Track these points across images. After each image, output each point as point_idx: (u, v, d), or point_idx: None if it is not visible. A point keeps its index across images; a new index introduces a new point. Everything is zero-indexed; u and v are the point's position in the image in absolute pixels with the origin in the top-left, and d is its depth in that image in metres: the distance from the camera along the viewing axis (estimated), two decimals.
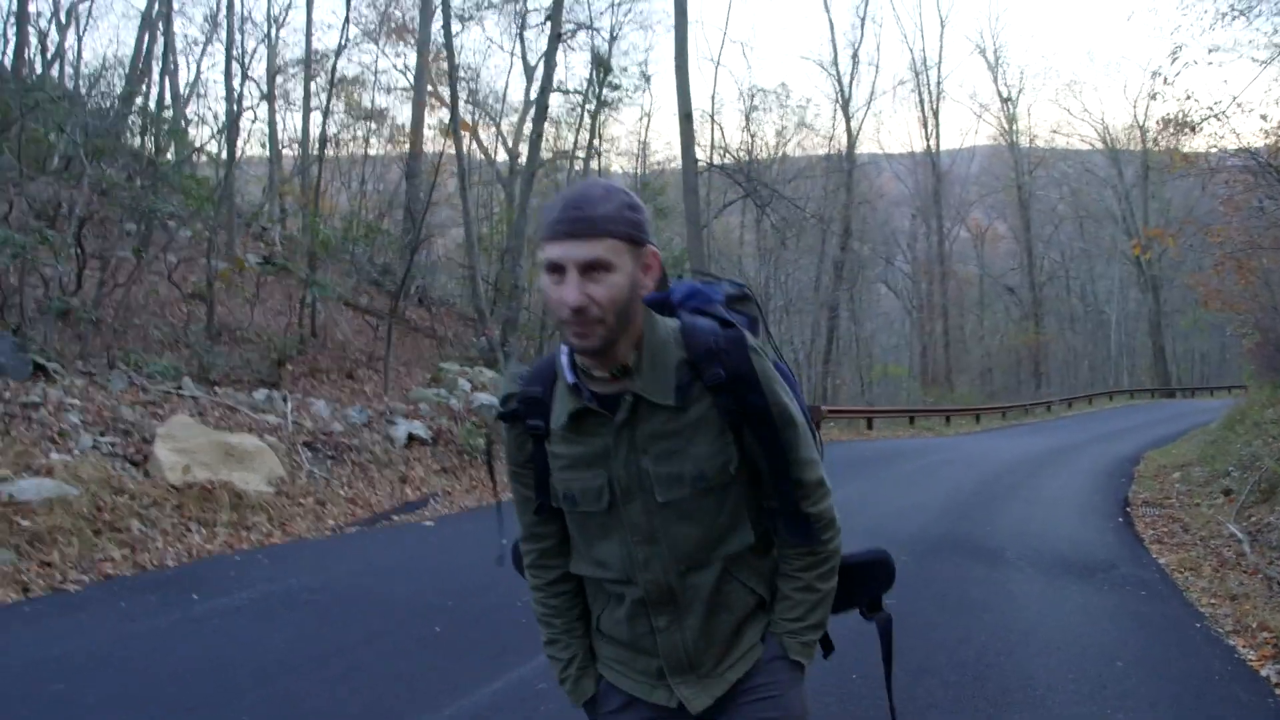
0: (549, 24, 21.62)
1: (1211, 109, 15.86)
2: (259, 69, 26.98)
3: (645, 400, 1.84)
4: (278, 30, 27.45)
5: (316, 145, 22.70)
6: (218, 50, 31.87)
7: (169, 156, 16.14)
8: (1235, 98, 22.06)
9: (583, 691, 2.06)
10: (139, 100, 20.20)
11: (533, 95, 32.95)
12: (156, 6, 21.66)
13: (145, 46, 22.49)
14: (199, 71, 21.84)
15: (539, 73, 31.77)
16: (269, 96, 23.51)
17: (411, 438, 12.96)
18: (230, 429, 10.34)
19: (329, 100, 20.23)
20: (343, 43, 19.25)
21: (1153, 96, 51.12)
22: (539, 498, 1.98)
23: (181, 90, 25.54)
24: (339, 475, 10.93)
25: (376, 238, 20.41)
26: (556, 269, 1.73)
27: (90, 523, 7.39)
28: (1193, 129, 16.50)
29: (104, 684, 4.63)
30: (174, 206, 14.31)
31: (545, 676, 2.18)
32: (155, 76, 23.73)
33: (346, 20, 19.44)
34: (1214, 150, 17.57)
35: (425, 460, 12.66)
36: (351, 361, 16.89)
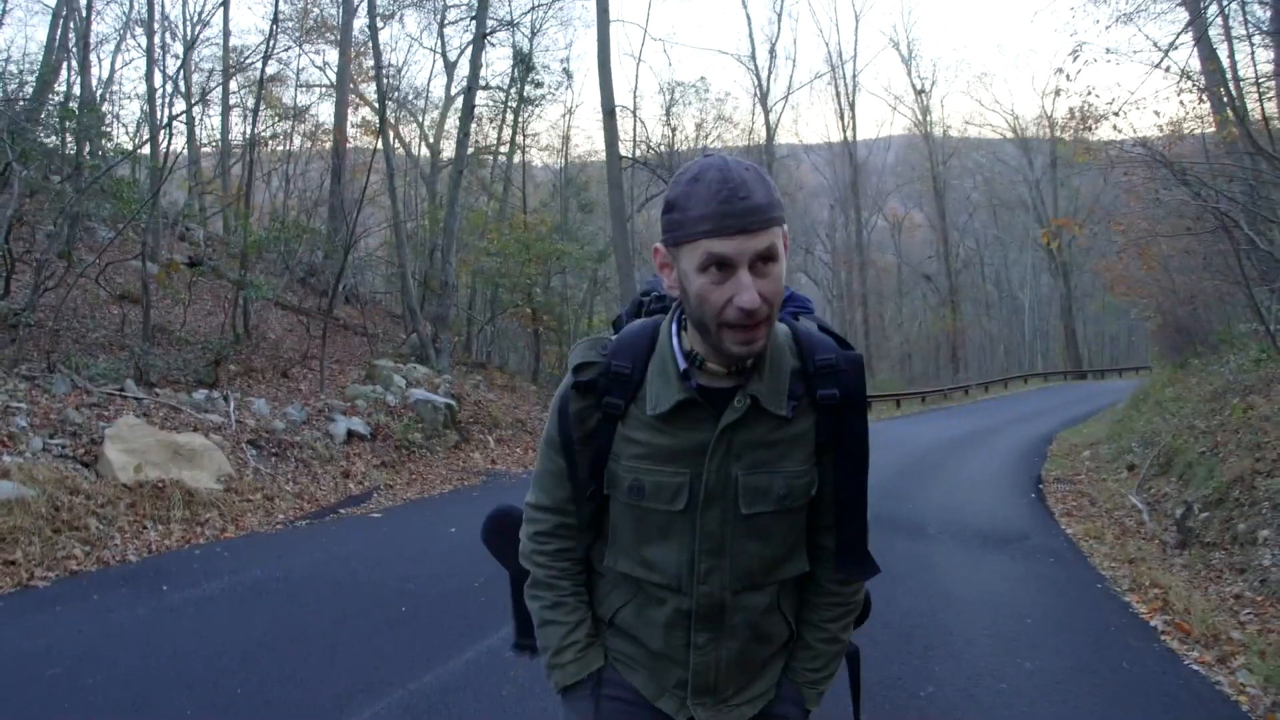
0: (474, 23, 21.83)
1: (1110, 104, 16.61)
2: (172, 67, 26.80)
3: (759, 405, 1.75)
4: (196, 29, 27.20)
5: (242, 146, 22.58)
6: (131, 47, 31.47)
7: (95, 158, 16.01)
8: (1132, 93, 22.98)
9: (589, 662, 1.93)
10: (56, 99, 20.03)
11: (453, 91, 33.16)
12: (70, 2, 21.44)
13: (57, 42, 22.17)
14: (114, 69, 21.46)
15: (459, 69, 32.06)
16: (201, 99, 23.30)
17: (351, 434, 13.19)
18: (176, 429, 10.49)
19: (258, 103, 20.10)
20: (269, 49, 19.13)
21: (1057, 93, 52.66)
22: (591, 483, 1.86)
23: (94, 88, 25.12)
24: (284, 471, 11.14)
25: (306, 238, 20.40)
26: (721, 265, 1.60)
27: (49, 522, 7.57)
28: (1095, 122, 17.21)
29: (98, 668, 4.90)
30: (107, 209, 14.30)
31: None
32: (65, 74, 23.44)
33: (274, 25, 19.29)
34: (1116, 141, 18.32)
35: (365, 455, 12.89)
36: (285, 360, 16.95)
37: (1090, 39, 53.93)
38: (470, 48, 23.47)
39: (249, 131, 23.38)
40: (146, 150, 18.90)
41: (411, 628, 5.74)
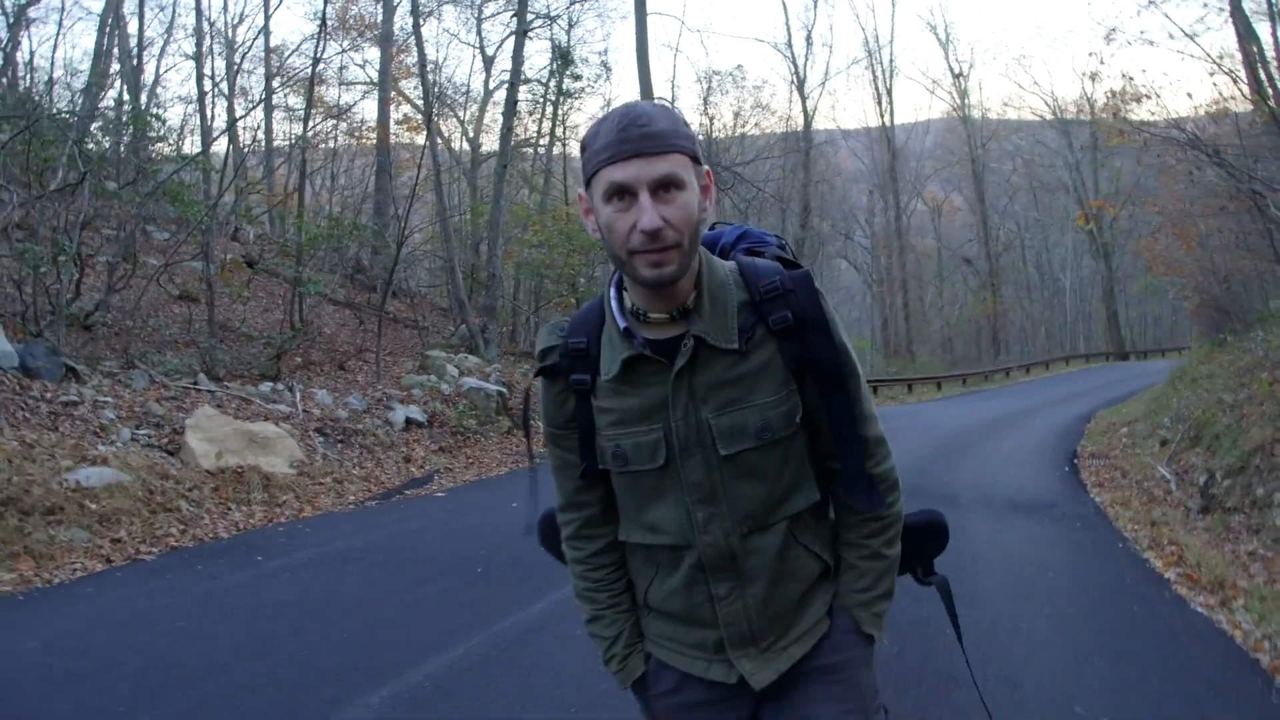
0: (514, 19, 22.42)
1: (1145, 87, 17.00)
2: (219, 71, 27.55)
3: (706, 344, 1.74)
4: (241, 33, 28.01)
5: (288, 145, 23.27)
6: (174, 52, 32.22)
7: (153, 163, 16.74)
8: (1166, 74, 23.08)
9: (631, 671, 1.95)
10: (111, 102, 20.88)
11: (491, 85, 33.75)
12: (120, 7, 22.22)
13: (105, 48, 22.91)
14: (158, 73, 22.12)
15: (498, 64, 32.63)
16: (256, 105, 24.05)
17: (409, 421, 13.86)
18: (249, 419, 11.19)
19: (309, 107, 20.84)
20: (318, 54, 19.85)
21: (1092, 76, 52.32)
22: (583, 461, 1.88)
23: (141, 92, 25.87)
24: (350, 457, 11.82)
25: (360, 234, 21.12)
26: (622, 193, 1.63)
27: (146, 504, 8.26)
28: (1133, 102, 17.57)
29: (218, 620, 5.60)
30: (171, 212, 15.06)
31: None
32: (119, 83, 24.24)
33: (322, 29, 19.98)
34: (1150, 123, 18.61)
35: (423, 441, 13.54)
36: (340, 353, 17.65)
37: (1123, 24, 53.71)
38: (509, 42, 24.08)
39: (296, 132, 24.13)
40: (196, 147, 19.71)
41: (488, 584, 6.39)
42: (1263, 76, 18.06)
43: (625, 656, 1.95)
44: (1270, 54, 16.77)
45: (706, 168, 1.74)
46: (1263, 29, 17.73)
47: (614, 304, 1.81)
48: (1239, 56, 17.63)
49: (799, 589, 1.86)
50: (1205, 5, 16.85)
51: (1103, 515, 9.19)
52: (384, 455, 12.38)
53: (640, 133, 1.61)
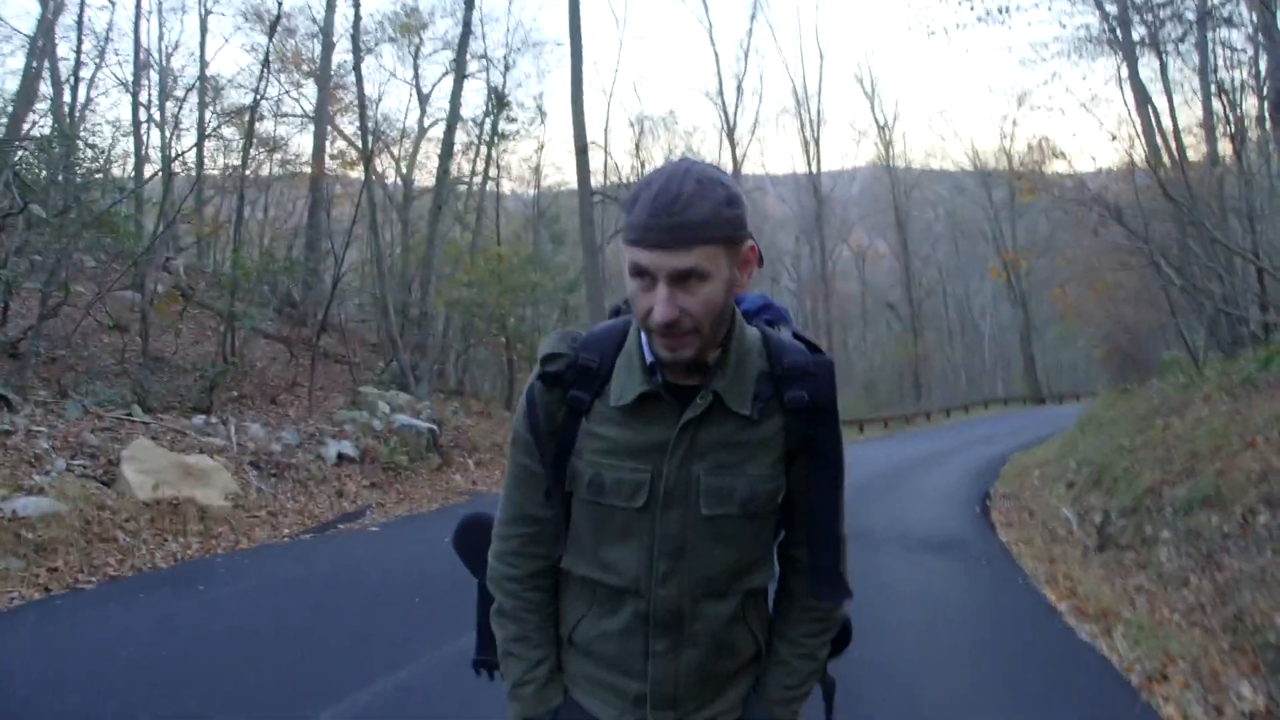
0: (454, 64, 22.88)
1: (1052, 150, 18.00)
2: (152, 95, 27.40)
3: (721, 403, 1.74)
4: (167, 58, 27.95)
5: (220, 176, 23.33)
6: (105, 78, 31.99)
7: (92, 190, 16.75)
8: (1074, 136, 24.33)
9: (549, 698, 1.89)
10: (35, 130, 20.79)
11: (426, 123, 34.07)
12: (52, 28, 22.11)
13: (34, 70, 22.73)
14: (89, 98, 21.97)
15: (433, 101, 32.96)
16: (204, 138, 24.07)
17: (341, 456, 14.07)
18: (184, 451, 11.34)
19: (248, 141, 20.99)
20: (259, 91, 20.06)
21: (1007, 138, 54.01)
22: (553, 478, 1.83)
23: (68, 116, 25.71)
24: (283, 490, 12.02)
25: (294, 270, 21.29)
26: (644, 274, 1.61)
27: (83, 534, 8.44)
28: (1049, 158, 18.53)
29: (166, 648, 5.84)
30: (108, 243, 15.13)
31: None
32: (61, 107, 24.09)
33: (265, 68, 20.21)
34: (1062, 178, 19.61)
35: (355, 476, 13.77)
36: (271, 387, 17.77)
37: (1032, 92, 55.75)
38: (445, 80, 24.41)
39: (232, 165, 24.12)
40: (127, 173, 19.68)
41: (428, 611, 6.72)
42: (1159, 142, 19.11)
43: (546, 682, 1.90)
44: (1166, 122, 17.76)
45: (751, 243, 1.69)
46: (1161, 99, 18.82)
47: (643, 337, 1.76)
48: (1139, 122, 18.67)
49: (733, 665, 1.87)
50: (1107, 80, 17.79)
51: (1007, 553, 9.75)
52: (317, 489, 12.59)
53: (670, 223, 1.57)
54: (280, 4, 21.07)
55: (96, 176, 15.66)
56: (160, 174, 18.29)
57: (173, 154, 21.08)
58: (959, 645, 6.17)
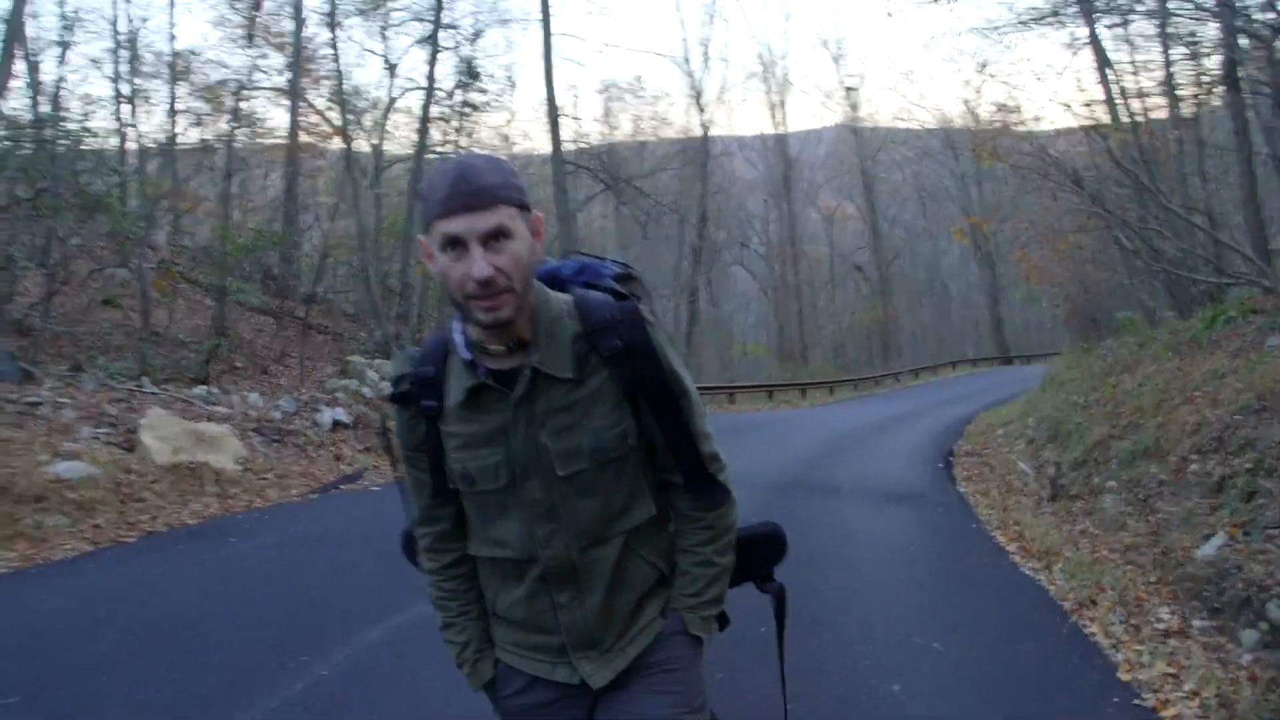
0: (429, 42, 23.34)
1: (1013, 115, 18.72)
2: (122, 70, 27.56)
3: (543, 374, 1.87)
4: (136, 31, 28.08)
5: (216, 153, 23.69)
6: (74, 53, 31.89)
7: (79, 168, 17.21)
8: (1031, 102, 24.93)
9: (481, 674, 2.10)
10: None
11: (394, 94, 34.35)
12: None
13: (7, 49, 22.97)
14: (59, 74, 22.18)
15: (400, 71, 33.24)
16: (171, 106, 24.44)
17: (335, 423, 14.76)
18: (194, 419, 12.01)
19: (235, 118, 21.42)
20: (245, 75, 20.51)
21: (971, 101, 54.37)
22: (435, 480, 2.00)
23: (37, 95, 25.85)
24: (286, 455, 12.72)
25: (283, 243, 21.83)
26: (456, 244, 1.74)
27: (116, 494, 9.17)
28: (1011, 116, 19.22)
29: (217, 592, 6.63)
30: (102, 222, 15.69)
31: None
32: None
33: (250, 41, 20.61)
34: (1024, 136, 20.31)
35: (350, 441, 14.47)
36: (261, 358, 18.38)
37: (993, 59, 56.24)
38: (414, 50, 24.76)
39: (209, 140, 24.39)
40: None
41: None
42: (1118, 105, 19.84)
43: (475, 661, 2.10)
44: (1129, 83, 18.44)
45: (537, 213, 1.86)
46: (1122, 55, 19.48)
47: (457, 337, 1.92)
48: (1100, 86, 19.38)
49: (635, 596, 2.01)
50: (1068, 44, 18.43)
51: (964, 503, 10.58)
52: (316, 454, 13.29)
53: (470, 188, 1.73)
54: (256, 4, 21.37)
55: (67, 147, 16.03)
56: (156, 152, 18.69)
57: (167, 135, 21.36)
58: (913, 579, 7.03)
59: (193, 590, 6.58)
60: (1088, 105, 19.12)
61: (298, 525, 9.03)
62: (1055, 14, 14.72)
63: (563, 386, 1.88)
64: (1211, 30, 16.19)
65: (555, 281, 2.06)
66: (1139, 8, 16.17)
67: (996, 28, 17.20)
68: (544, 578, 1.95)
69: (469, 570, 2.10)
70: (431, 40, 22.96)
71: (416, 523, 2.12)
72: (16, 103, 22.22)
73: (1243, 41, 14.51)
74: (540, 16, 24.23)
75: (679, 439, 1.97)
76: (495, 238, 1.74)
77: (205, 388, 14.15)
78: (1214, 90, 18.01)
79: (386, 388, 16.82)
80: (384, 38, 30.60)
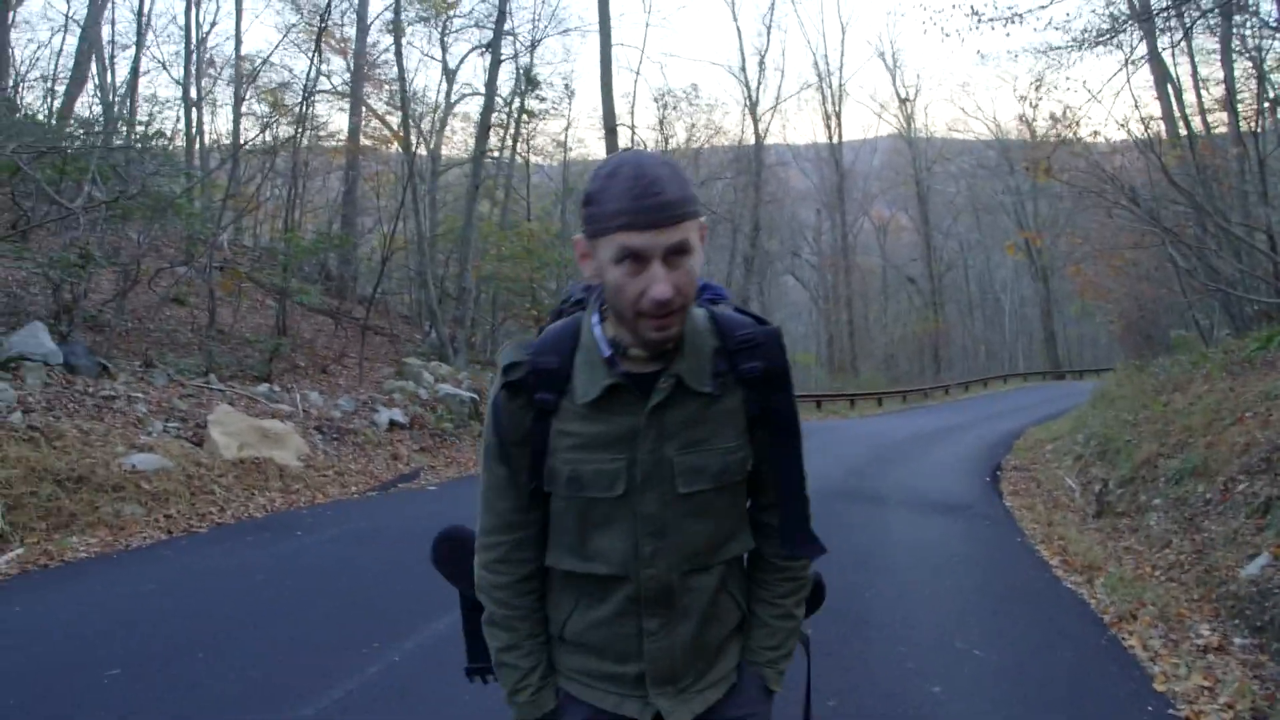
0: (490, 49, 23.78)
1: (1069, 127, 18.71)
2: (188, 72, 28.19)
3: (683, 384, 1.80)
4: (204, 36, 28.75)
5: (289, 162, 24.22)
6: (148, 58, 32.83)
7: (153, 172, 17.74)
8: (1089, 119, 24.85)
9: (542, 704, 1.94)
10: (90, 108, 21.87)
11: (453, 98, 34.90)
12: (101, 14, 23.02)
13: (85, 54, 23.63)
14: (134, 76, 22.65)
15: (460, 76, 33.76)
16: (265, 128, 25.08)
17: (392, 423, 15.13)
18: (259, 416, 12.41)
19: (300, 133, 21.94)
20: (310, 86, 21.03)
21: (1024, 119, 53.90)
22: (533, 482, 1.87)
23: (110, 96, 26.49)
24: (345, 453, 13.10)
25: (345, 246, 22.39)
26: (636, 258, 1.66)
27: (187, 486, 9.54)
28: (1063, 142, 19.21)
29: (288, 574, 7.00)
30: (185, 226, 16.24)
31: None
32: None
33: (317, 51, 21.14)
34: (1076, 156, 20.29)
35: (406, 441, 14.84)
36: (320, 358, 18.83)
37: (1048, 76, 55.80)
38: (472, 56, 25.20)
39: (275, 141, 24.99)
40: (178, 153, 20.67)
41: None
42: (1177, 120, 19.80)
43: (539, 689, 1.93)
44: (1190, 98, 18.38)
45: (702, 220, 1.78)
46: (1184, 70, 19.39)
47: (598, 331, 1.84)
48: (1158, 102, 19.39)
49: (722, 632, 1.94)
50: (1127, 62, 18.41)
51: (1010, 517, 10.71)
52: (374, 452, 13.66)
53: (656, 202, 1.65)
54: (326, 15, 21.97)
55: (162, 166, 16.62)
56: (231, 158, 19.26)
57: (242, 141, 21.96)
58: (957, 587, 7.20)
59: (268, 579, 6.91)
60: (1144, 122, 19.08)
61: (360, 521, 9.37)
62: (1113, 33, 14.69)
63: (699, 400, 1.81)
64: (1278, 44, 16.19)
65: None
66: (1200, 23, 16.11)
67: (1054, 48, 17.10)
68: (636, 599, 1.86)
69: (540, 586, 1.97)
70: (492, 48, 23.29)
71: (490, 530, 1.94)
72: (90, 104, 23.11)
73: None
74: (599, 27, 24.34)
75: (790, 477, 1.89)
76: (677, 253, 1.68)
77: (268, 385, 14.58)
78: (1272, 109, 17.95)
79: (441, 389, 17.30)
80: (443, 45, 31.40)
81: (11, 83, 21.45)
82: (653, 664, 1.86)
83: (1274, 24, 15.60)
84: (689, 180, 1.75)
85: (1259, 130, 17.60)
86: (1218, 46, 18.50)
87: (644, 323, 1.70)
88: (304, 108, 21.04)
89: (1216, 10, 15.02)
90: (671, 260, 1.67)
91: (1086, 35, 15.06)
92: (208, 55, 31.29)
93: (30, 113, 19.62)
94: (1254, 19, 16.45)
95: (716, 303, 1.96)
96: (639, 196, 1.64)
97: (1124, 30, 15.60)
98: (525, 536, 1.91)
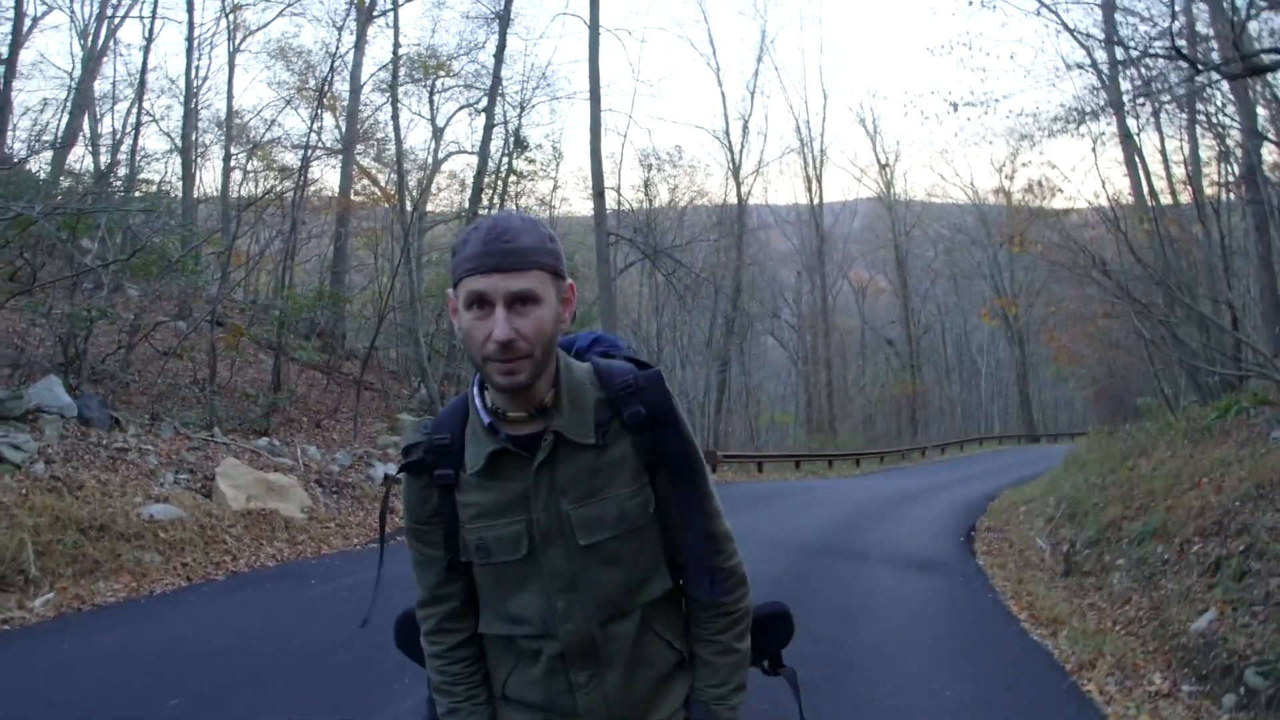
0: (484, 112, 24.55)
1: (1042, 198, 19.62)
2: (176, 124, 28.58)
3: (566, 439, 1.83)
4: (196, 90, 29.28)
5: (284, 222, 24.69)
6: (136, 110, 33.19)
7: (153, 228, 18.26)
8: (1063, 192, 25.81)
9: None
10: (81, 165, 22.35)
11: (440, 155, 35.46)
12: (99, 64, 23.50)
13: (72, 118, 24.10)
14: (125, 131, 23.04)
15: (447, 134, 34.39)
16: (269, 194, 25.61)
17: (387, 476, 15.59)
18: (262, 469, 12.88)
19: (299, 191, 22.44)
20: (308, 154, 21.67)
21: (1000, 191, 55.06)
22: (446, 554, 1.93)
23: (105, 154, 26.81)
24: (345, 506, 13.57)
25: (338, 303, 22.89)
26: (481, 303, 1.70)
27: (200, 536, 10.01)
28: (1043, 205, 20.12)
29: (312, 621, 7.52)
30: (181, 285, 16.74)
31: None
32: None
33: (316, 116, 21.81)
34: (1057, 214, 21.14)
35: (401, 495, 15.25)
36: (314, 412, 19.27)
37: (1023, 152, 57.21)
38: (460, 115, 25.71)
39: (293, 215, 25.51)
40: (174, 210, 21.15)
41: None
42: (1146, 193, 20.59)
43: None
44: (1157, 169, 19.16)
45: (570, 281, 1.83)
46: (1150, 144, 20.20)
47: (477, 401, 1.87)
48: (1127, 178, 20.18)
49: (655, 675, 1.93)
50: (1097, 138, 19.25)
51: (982, 574, 11.26)
52: (371, 506, 14.11)
53: (503, 248, 1.69)
54: (328, 81, 22.62)
55: (169, 222, 17.14)
56: (234, 219, 19.83)
57: (241, 197, 22.50)
58: (932, 636, 7.83)
59: (296, 623, 7.45)
60: (1112, 200, 19.91)
61: (367, 570, 9.81)
62: (1082, 118, 15.48)
63: (586, 453, 1.84)
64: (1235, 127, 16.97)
65: (569, 351, 2.03)
66: (1165, 98, 16.87)
67: (1026, 136, 17.89)
68: (562, 655, 1.88)
69: (476, 652, 2.02)
70: (487, 112, 24.06)
71: (422, 603, 2.05)
72: (80, 157, 23.60)
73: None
74: (589, 95, 25.15)
75: (693, 514, 1.90)
76: (522, 301, 1.72)
77: (267, 439, 15.05)
78: (1237, 186, 18.71)
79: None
80: (432, 104, 32.07)
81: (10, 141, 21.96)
82: (587, 715, 1.89)
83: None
84: (553, 239, 1.81)
85: (1218, 208, 18.38)
86: (1185, 121, 19.29)
87: (491, 367, 1.73)
88: (303, 169, 21.56)
89: (1184, 95, 15.79)
90: (517, 308, 1.71)
91: (1055, 122, 15.83)
92: (198, 109, 31.71)
93: (30, 171, 20.10)
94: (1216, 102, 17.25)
95: (612, 355, 2.03)
96: (489, 243, 1.71)
97: (1095, 117, 16.34)
98: (453, 608, 2.00)
